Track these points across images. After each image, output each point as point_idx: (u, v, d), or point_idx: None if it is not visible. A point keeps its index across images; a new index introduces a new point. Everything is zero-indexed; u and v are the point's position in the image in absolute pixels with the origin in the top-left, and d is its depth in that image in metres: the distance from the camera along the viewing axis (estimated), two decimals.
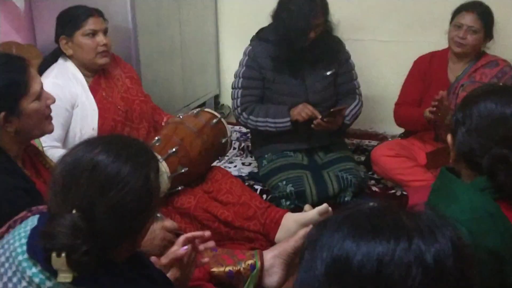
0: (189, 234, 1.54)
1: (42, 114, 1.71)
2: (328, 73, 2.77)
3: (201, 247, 1.55)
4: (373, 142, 3.30)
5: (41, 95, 1.71)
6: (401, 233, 0.72)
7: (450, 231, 0.74)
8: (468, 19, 2.58)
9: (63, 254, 1.09)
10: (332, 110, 2.61)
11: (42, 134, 1.80)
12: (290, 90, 2.71)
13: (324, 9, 2.64)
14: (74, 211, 1.11)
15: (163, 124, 2.61)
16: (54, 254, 1.10)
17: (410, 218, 0.74)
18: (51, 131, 1.80)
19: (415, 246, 0.70)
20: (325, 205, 2.23)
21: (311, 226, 2.08)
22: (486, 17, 2.60)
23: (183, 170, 2.26)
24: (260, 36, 2.77)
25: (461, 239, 0.75)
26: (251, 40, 2.80)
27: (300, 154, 2.76)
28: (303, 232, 1.98)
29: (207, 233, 1.57)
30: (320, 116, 2.60)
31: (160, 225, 1.90)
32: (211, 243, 1.56)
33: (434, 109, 2.44)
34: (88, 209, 1.12)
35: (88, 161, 1.14)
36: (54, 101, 1.76)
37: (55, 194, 1.16)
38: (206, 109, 2.58)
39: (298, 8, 2.56)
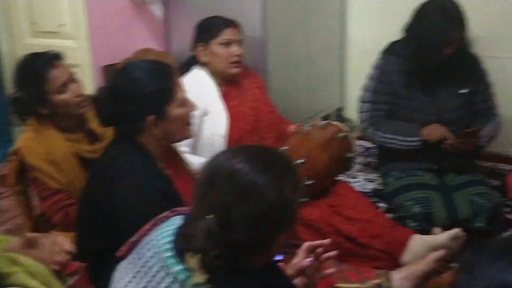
0: (311, 243, 1.52)
1: (185, 120, 1.79)
2: (463, 91, 2.63)
3: (324, 256, 1.52)
4: (509, 166, 3.11)
5: (185, 101, 1.78)
6: None
7: None
8: None
9: (197, 256, 1.13)
10: (466, 131, 2.48)
11: (183, 139, 1.88)
12: (421, 107, 2.61)
13: (461, 25, 2.51)
14: (210, 216, 1.14)
15: (288, 133, 2.62)
16: (190, 255, 1.14)
17: None
18: (191, 137, 1.87)
19: None
20: (458, 229, 2.11)
21: (442, 250, 1.99)
22: None
23: (308, 182, 2.24)
24: (392, 50, 2.70)
25: None
26: (382, 54, 2.73)
27: (429, 174, 2.63)
28: (434, 256, 1.90)
29: (327, 241, 1.54)
30: (453, 140, 2.48)
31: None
32: (333, 253, 1.53)
33: None
34: (223, 215, 1.14)
35: (227, 168, 1.17)
36: (195, 109, 1.83)
37: (196, 198, 1.21)
38: (334, 122, 2.55)
39: (435, 22, 2.46)
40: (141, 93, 1.71)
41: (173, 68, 1.81)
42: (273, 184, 1.16)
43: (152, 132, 1.73)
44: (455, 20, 2.48)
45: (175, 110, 1.75)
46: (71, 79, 2.08)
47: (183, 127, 1.81)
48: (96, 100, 1.82)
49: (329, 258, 1.53)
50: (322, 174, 2.35)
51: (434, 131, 2.51)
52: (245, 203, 1.14)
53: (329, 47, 3.84)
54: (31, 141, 2.06)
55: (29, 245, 1.44)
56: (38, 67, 2.01)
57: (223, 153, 1.24)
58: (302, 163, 2.28)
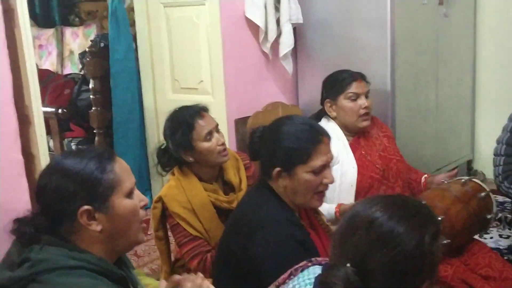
0: None
1: (313, 187, 1.79)
2: None
3: None
4: None
5: (320, 171, 1.78)
6: None
7: None
8: None
9: None
10: None
11: (305, 206, 1.89)
12: None
13: None
14: (348, 265, 1.15)
15: (422, 183, 2.58)
16: None
17: None
18: (316, 207, 1.89)
19: None
20: None
21: None
22: None
23: (445, 241, 2.18)
24: None
25: None
26: None
27: None
28: None
29: None
30: None
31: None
32: None
33: None
34: (361, 264, 1.15)
35: (365, 217, 1.19)
36: (332, 182, 1.83)
37: (334, 246, 1.23)
38: (474, 179, 2.44)
39: None
40: (279, 143, 1.79)
41: (326, 136, 1.82)
42: (413, 232, 1.15)
43: (278, 182, 1.79)
44: None
45: (304, 174, 1.77)
46: (216, 129, 2.24)
47: (309, 194, 1.80)
48: (252, 133, 1.94)
49: None
50: (460, 233, 2.25)
51: None
52: (384, 251, 1.14)
53: (459, 97, 3.76)
54: (174, 189, 2.22)
55: None
56: (188, 116, 2.20)
57: (361, 202, 1.26)
58: (440, 221, 2.22)
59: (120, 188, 1.36)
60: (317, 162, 1.77)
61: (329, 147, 1.84)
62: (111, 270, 1.35)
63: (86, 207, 1.32)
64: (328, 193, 2.49)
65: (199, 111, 2.23)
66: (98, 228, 1.34)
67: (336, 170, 2.52)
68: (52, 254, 1.29)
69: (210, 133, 2.20)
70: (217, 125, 2.27)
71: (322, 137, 1.81)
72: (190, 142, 2.17)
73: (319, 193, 1.82)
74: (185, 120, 2.19)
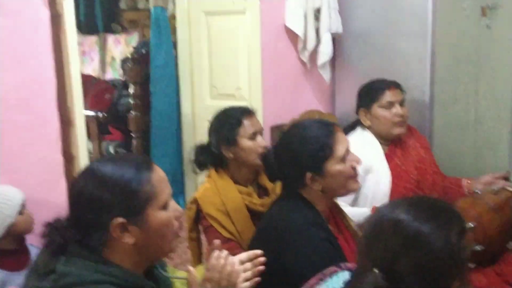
0: None
1: (346, 174, 1.83)
2: None
3: None
4: None
5: (345, 157, 1.83)
6: None
7: None
8: None
9: None
10: None
11: (347, 193, 1.91)
12: None
13: None
14: (375, 269, 1.14)
15: (464, 186, 2.57)
16: None
17: None
18: (355, 190, 1.91)
19: None
20: None
21: None
22: None
23: (478, 248, 2.17)
24: None
25: None
26: None
27: None
28: None
29: None
30: None
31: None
32: None
33: None
34: (388, 268, 1.13)
35: (390, 220, 1.18)
36: (359, 163, 1.87)
37: (361, 252, 1.22)
38: (507, 187, 2.44)
39: None
40: (297, 151, 1.81)
41: (334, 125, 1.86)
42: (439, 232, 1.14)
43: (312, 187, 1.80)
44: None
45: (334, 167, 1.79)
46: (260, 132, 2.28)
47: (346, 182, 1.83)
48: (265, 157, 1.98)
49: None
50: (493, 240, 2.24)
51: None
52: (411, 253, 1.12)
53: (499, 110, 3.69)
54: (209, 191, 2.25)
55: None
56: (237, 113, 2.27)
57: (385, 205, 1.25)
58: (472, 228, 2.21)
59: (156, 200, 1.31)
60: (341, 150, 1.81)
61: (343, 133, 1.89)
62: (139, 284, 1.32)
63: (120, 219, 1.26)
64: (361, 202, 2.53)
65: (248, 111, 2.30)
66: (131, 241, 1.29)
67: (369, 179, 2.53)
68: (78, 267, 1.25)
69: (255, 133, 2.25)
70: (262, 129, 2.32)
71: (333, 126, 1.85)
72: (235, 136, 2.21)
73: (353, 176, 1.86)
74: (234, 116, 2.25)
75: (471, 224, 2.19)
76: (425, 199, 1.27)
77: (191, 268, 1.49)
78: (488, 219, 2.24)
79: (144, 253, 1.32)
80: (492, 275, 2.21)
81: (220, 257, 1.47)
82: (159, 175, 1.34)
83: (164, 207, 1.33)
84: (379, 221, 1.21)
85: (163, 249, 1.36)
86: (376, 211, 1.26)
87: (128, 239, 1.28)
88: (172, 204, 1.37)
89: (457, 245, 1.15)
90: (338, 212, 1.96)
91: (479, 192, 2.39)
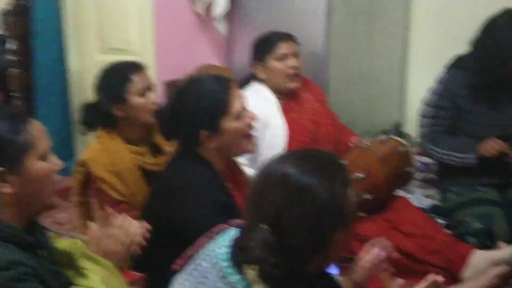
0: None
1: (242, 133, 1.80)
2: None
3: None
4: None
5: (241, 114, 1.80)
6: None
7: None
8: None
9: (255, 266, 1.13)
10: None
11: (242, 153, 1.89)
12: (486, 121, 2.54)
13: None
14: (263, 225, 1.14)
15: (350, 145, 2.61)
16: (247, 266, 1.15)
17: None
18: (250, 151, 1.89)
19: None
20: None
21: (504, 265, 1.93)
22: None
23: (367, 197, 2.23)
24: (458, 64, 2.64)
25: None
26: (447, 68, 2.68)
27: (491, 190, 2.55)
28: (495, 271, 1.84)
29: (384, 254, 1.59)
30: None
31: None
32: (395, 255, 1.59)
33: None
34: (276, 222, 1.13)
35: (276, 174, 1.17)
36: (255, 120, 1.85)
37: (248, 208, 1.22)
38: (393, 137, 2.53)
39: (505, 36, 2.40)
40: (192, 108, 1.76)
41: (230, 81, 1.83)
42: (324, 184, 1.15)
43: (208, 146, 1.76)
44: None
45: (230, 124, 1.76)
46: (151, 87, 2.18)
47: (241, 141, 1.81)
48: (159, 115, 1.89)
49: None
50: (381, 189, 2.33)
51: (490, 146, 2.45)
52: (298, 206, 1.13)
53: (391, 62, 3.81)
54: (98, 152, 2.15)
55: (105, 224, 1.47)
56: (125, 69, 2.14)
57: (272, 160, 1.24)
58: (361, 178, 2.27)
59: (34, 150, 1.31)
60: (236, 106, 1.78)
61: (239, 89, 1.86)
62: (19, 236, 1.30)
63: None
64: (258, 156, 2.52)
65: (137, 66, 2.18)
66: (10, 190, 1.28)
67: (266, 134, 2.52)
68: None
69: (145, 90, 2.15)
70: (154, 84, 2.22)
71: (229, 81, 1.81)
72: (124, 94, 2.11)
73: (249, 136, 1.83)
74: (122, 71, 2.14)
75: (360, 175, 2.26)
76: (311, 152, 1.27)
77: (92, 224, 1.49)
78: (377, 168, 2.32)
79: (23, 205, 1.32)
80: (381, 222, 2.30)
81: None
82: (36, 126, 1.35)
83: (43, 158, 1.34)
84: (266, 176, 1.20)
85: (42, 201, 1.37)
86: (263, 166, 1.24)
87: (7, 189, 1.28)
88: (52, 157, 1.38)
89: (341, 196, 1.17)
90: (236, 169, 1.94)
91: (367, 143, 2.46)
